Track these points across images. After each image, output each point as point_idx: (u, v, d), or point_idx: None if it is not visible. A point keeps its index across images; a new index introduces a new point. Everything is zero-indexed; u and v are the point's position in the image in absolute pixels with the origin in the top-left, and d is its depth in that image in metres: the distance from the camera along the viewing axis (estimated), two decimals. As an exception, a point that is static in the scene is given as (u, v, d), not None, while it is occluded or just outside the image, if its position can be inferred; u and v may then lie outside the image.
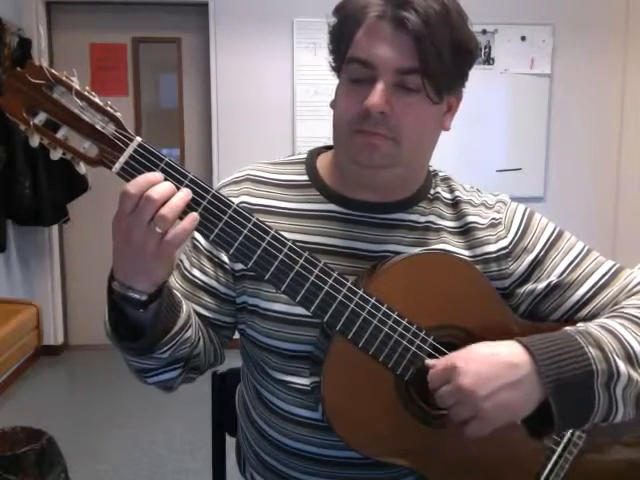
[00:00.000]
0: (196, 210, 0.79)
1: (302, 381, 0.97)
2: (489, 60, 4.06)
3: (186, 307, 0.92)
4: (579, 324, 0.89)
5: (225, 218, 0.81)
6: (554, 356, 0.83)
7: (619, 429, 0.95)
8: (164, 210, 0.76)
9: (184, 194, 0.78)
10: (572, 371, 0.82)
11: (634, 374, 0.85)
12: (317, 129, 3.94)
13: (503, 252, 0.99)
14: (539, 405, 0.83)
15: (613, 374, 0.84)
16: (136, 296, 0.80)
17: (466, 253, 0.99)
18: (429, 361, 0.87)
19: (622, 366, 0.84)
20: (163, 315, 0.85)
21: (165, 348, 0.88)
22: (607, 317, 0.92)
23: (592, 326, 0.88)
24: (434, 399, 0.87)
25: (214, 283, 1.00)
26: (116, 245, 0.79)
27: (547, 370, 0.82)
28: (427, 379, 0.86)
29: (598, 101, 4.19)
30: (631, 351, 0.86)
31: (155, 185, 0.76)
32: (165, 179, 0.78)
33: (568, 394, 0.82)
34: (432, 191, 1.02)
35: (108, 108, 0.78)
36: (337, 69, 0.95)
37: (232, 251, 0.82)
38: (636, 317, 0.90)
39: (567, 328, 0.88)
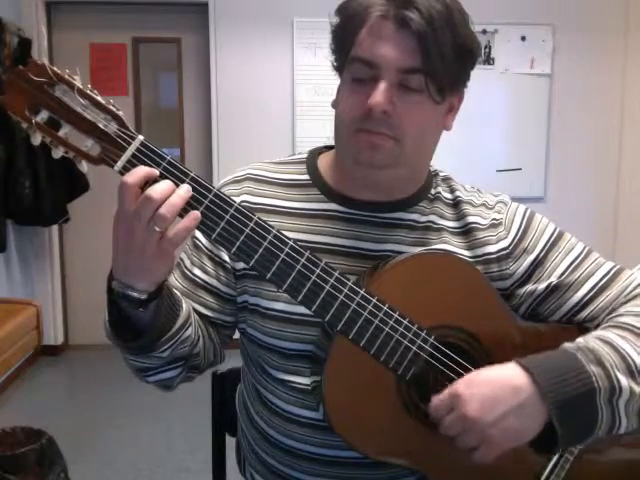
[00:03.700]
0: (198, 209, 0.79)
1: (302, 380, 0.97)
2: (489, 60, 4.06)
3: (186, 306, 0.92)
4: (579, 339, 0.88)
5: (227, 217, 0.81)
6: (555, 376, 0.82)
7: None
8: (163, 209, 0.75)
9: (184, 192, 0.78)
10: (574, 390, 0.81)
11: (636, 387, 0.84)
12: (317, 129, 3.93)
13: (503, 253, 0.99)
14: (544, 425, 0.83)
15: (615, 390, 0.83)
16: (136, 295, 0.80)
17: (467, 253, 0.99)
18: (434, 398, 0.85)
19: (624, 380, 0.83)
20: (163, 314, 0.85)
21: (165, 347, 0.89)
22: (606, 328, 0.91)
23: (592, 340, 0.87)
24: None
25: (215, 282, 1.00)
26: (116, 244, 0.79)
27: (549, 391, 0.81)
28: (429, 410, 0.85)
29: (598, 101, 4.19)
30: (632, 364, 0.85)
31: (153, 183, 0.76)
32: (167, 177, 0.78)
33: (571, 413, 0.82)
34: (433, 191, 1.02)
35: (110, 107, 0.78)
36: (339, 69, 0.95)
37: (234, 250, 0.82)
38: (635, 327, 0.89)
39: (566, 345, 0.87)
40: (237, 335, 1.07)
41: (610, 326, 0.91)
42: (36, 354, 3.85)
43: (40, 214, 3.67)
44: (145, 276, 0.79)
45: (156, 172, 0.77)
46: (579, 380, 0.82)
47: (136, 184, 0.75)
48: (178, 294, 0.92)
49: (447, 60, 0.86)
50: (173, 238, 0.77)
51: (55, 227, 4.05)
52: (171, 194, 0.76)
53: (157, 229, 0.76)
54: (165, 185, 0.76)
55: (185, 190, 0.78)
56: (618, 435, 0.87)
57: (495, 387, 0.82)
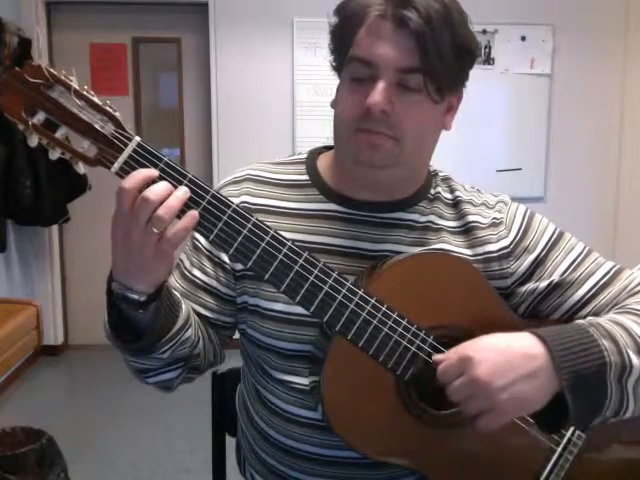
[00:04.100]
0: (195, 210, 0.79)
1: (302, 381, 0.97)
2: (489, 60, 4.06)
3: (185, 307, 0.92)
4: (590, 317, 0.89)
5: (224, 218, 0.81)
6: (569, 347, 0.82)
7: (619, 427, 0.95)
8: (161, 211, 0.75)
9: (181, 193, 0.77)
10: (586, 363, 0.82)
11: None
12: (317, 129, 3.93)
13: (504, 251, 0.99)
14: (551, 398, 0.83)
15: (626, 367, 0.84)
16: (135, 297, 0.80)
17: (467, 252, 0.99)
18: (437, 356, 0.86)
19: (635, 359, 0.84)
20: (162, 315, 0.85)
21: (165, 348, 0.88)
22: (615, 313, 0.92)
23: (603, 320, 0.88)
24: (434, 399, 0.87)
25: (214, 283, 1.00)
26: (115, 246, 0.79)
27: (563, 362, 0.81)
28: (437, 374, 0.84)
29: (598, 101, 4.18)
30: None
31: (152, 184, 0.76)
32: (164, 179, 0.78)
33: (582, 386, 0.82)
34: (432, 191, 1.02)
35: (107, 107, 0.78)
36: (338, 69, 0.95)
37: (231, 251, 0.82)
38: None
39: (578, 321, 0.88)
40: (237, 335, 1.07)
41: (619, 312, 0.92)
42: (36, 354, 3.85)
43: (40, 214, 3.67)
44: (144, 277, 0.79)
45: (155, 173, 0.77)
46: (591, 353, 0.82)
47: (134, 189, 0.75)
48: (178, 295, 0.92)
49: (446, 60, 0.86)
50: (172, 239, 0.77)
51: (55, 227, 4.05)
52: (169, 196, 0.76)
53: (155, 230, 0.75)
54: (162, 187, 0.76)
55: (183, 192, 0.78)
56: (620, 423, 0.87)
57: (509, 353, 0.82)
